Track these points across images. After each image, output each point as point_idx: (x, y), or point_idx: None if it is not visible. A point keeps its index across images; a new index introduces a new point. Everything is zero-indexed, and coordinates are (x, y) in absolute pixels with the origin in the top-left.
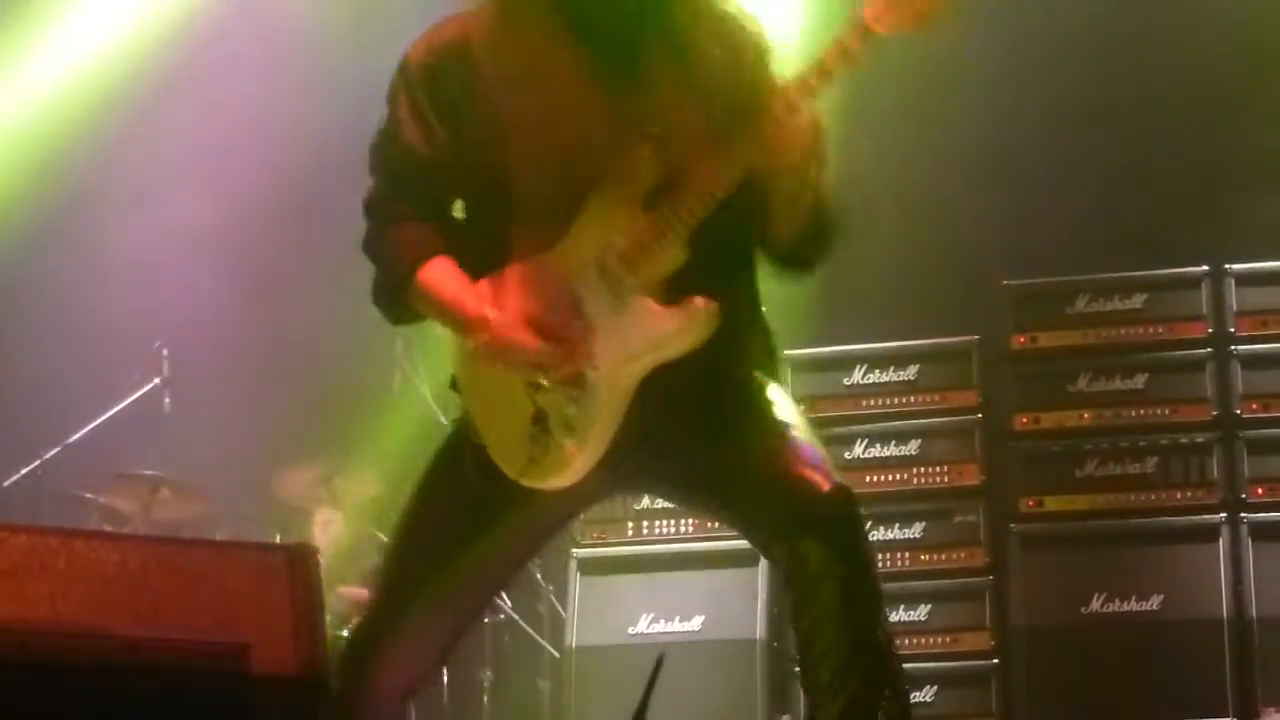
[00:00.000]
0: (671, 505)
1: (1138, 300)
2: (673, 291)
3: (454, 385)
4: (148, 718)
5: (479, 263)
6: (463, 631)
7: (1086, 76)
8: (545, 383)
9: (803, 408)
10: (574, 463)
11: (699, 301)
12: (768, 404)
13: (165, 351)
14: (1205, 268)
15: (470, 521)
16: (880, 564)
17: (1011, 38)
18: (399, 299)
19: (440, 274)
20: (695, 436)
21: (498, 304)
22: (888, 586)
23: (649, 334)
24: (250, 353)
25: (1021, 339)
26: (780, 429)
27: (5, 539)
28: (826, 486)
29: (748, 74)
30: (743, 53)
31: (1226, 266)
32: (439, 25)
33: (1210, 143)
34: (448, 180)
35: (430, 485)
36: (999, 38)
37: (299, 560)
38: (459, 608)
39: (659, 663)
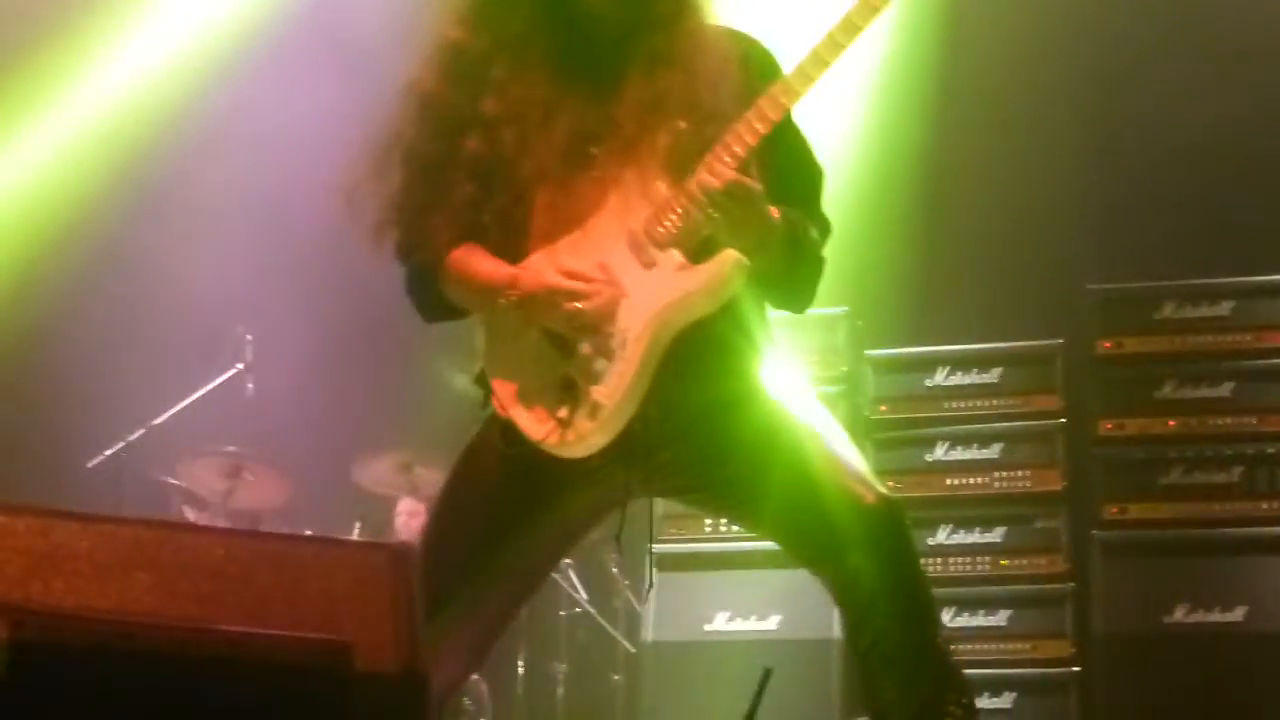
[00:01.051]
0: None
1: (1225, 307)
2: (702, 257)
3: (480, 379)
4: (249, 713)
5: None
6: (493, 635)
7: (1180, 80)
8: (576, 331)
9: (884, 408)
10: (603, 420)
11: (729, 253)
12: (804, 409)
13: (249, 336)
14: None
15: (500, 512)
16: (960, 569)
17: (1102, 40)
18: (431, 285)
19: (471, 253)
20: (729, 446)
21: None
22: (967, 591)
23: (679, 286)
24: (333, 339)
25: (1107, 344)
26: (820, 439)
27: (112, 532)
28: (871, 499)
29: (735, 82)
30: (730, 64)
31: None
32: (439, 44)
33: None
34: (455, 187)
35: (459, 480)
36: (1088, 40)
37: (400, 559)
38: (488, 608)
39: (765, 677)
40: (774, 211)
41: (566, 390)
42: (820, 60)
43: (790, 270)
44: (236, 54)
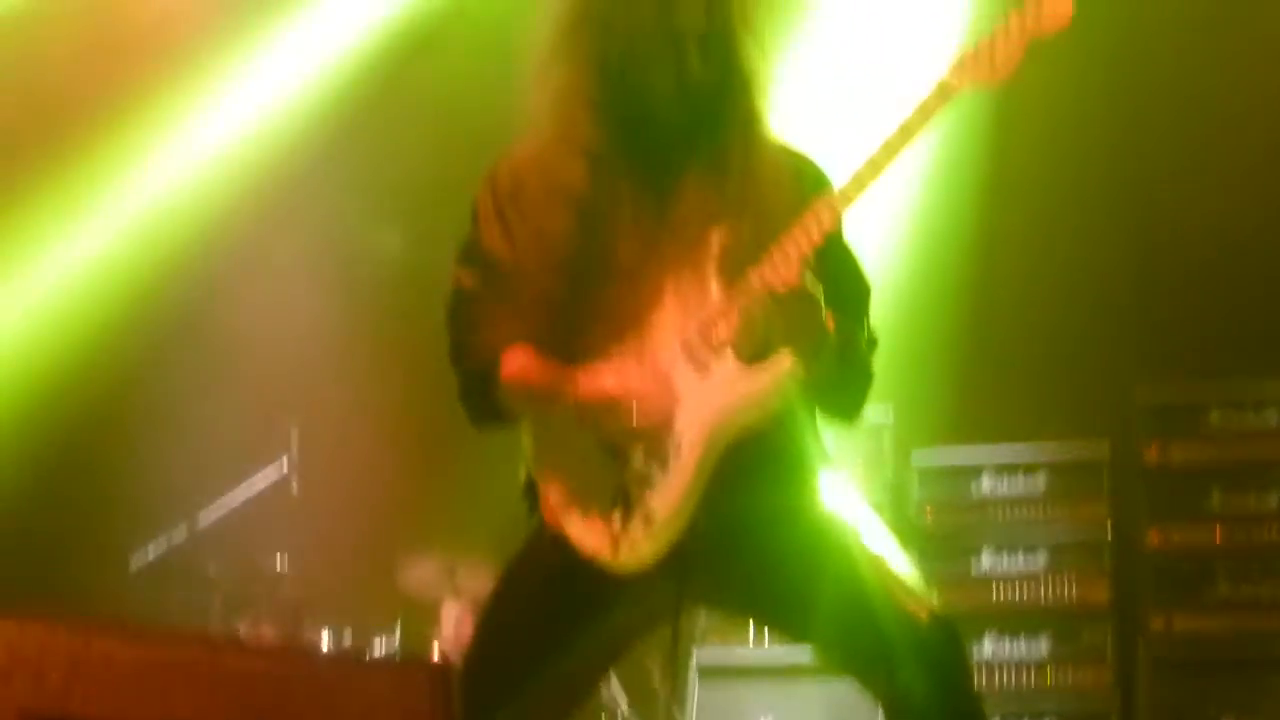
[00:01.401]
0: None
1: (1273, 415)
2: (757, 363)
3: (527, 491)
4: None
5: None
6: None
7: (1229, 183)
8: (630, 439)
9: (929, 514)
10: (656, 529)
11: (784, 359)
12: (855, 522)
13: (295, 434)
14: None
15: (549, 625)
16: (1005, 680)
17: (1148, 140)
18: (484, 389)
19: (524, 358)
20: (780, 558)
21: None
22: (1012, 703)
23: (733, 392)
24: (380, 438)
25: (1154, 451)
26: (872, 556)
27: (153, 645)
28: (925, 617)
29: (789, 192)
30: (784, 175)
31: None
32: (520, 147)
33: None
34: (524, 286)
35: (507, 592)
36: (1135, 141)
37: (440, 680)
38: None
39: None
40: (828, 319)
41: (619, 499)
42: (875, 166)
43: (842, 380)
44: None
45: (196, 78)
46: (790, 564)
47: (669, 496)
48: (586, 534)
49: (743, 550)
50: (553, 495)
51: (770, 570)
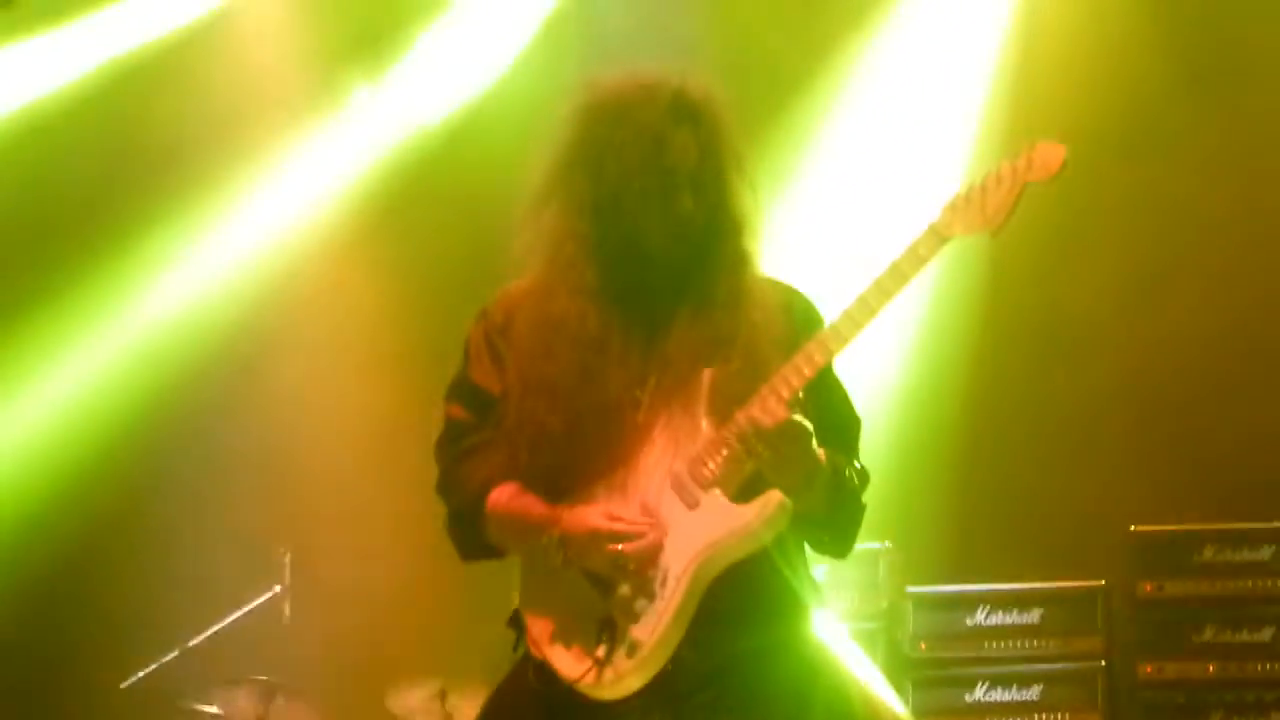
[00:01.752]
0: None
1: (1265, 552)
2: (745, 498)
3: (513, 621)
4: None
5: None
6: None
7: (1218, 325)
8: (617, 572)
9: (924, 646)
10: (641, 659)
11: (774, 494)
12: (840, 653)
13: (288, 558)
14: None
15: None
16: None
17: (1143, 275)
18: (471, 523)
19: (511, 492)
20: (766, 692)
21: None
22: None
23: (722, 526)
24: (372, 563)
25: (1148, 586)
26: (861, 686)
27: None
28: None
29: (780, 329)
30: (774, 311)
31: None
32: (514, 284)
33: None
34: (514, 421)
35: (497, 707)
36: (1129, 276)
37: None
38: None
39: None
40: (821, 455)
41: (605, 629)
42: (867, 307)
43: (833, 513)
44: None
45: (203, 197)
46: (781, 698)
47: (654, 627)
48: (569, 662)
49: (728, 683)
50: (536, 625)
51: (760, 705)
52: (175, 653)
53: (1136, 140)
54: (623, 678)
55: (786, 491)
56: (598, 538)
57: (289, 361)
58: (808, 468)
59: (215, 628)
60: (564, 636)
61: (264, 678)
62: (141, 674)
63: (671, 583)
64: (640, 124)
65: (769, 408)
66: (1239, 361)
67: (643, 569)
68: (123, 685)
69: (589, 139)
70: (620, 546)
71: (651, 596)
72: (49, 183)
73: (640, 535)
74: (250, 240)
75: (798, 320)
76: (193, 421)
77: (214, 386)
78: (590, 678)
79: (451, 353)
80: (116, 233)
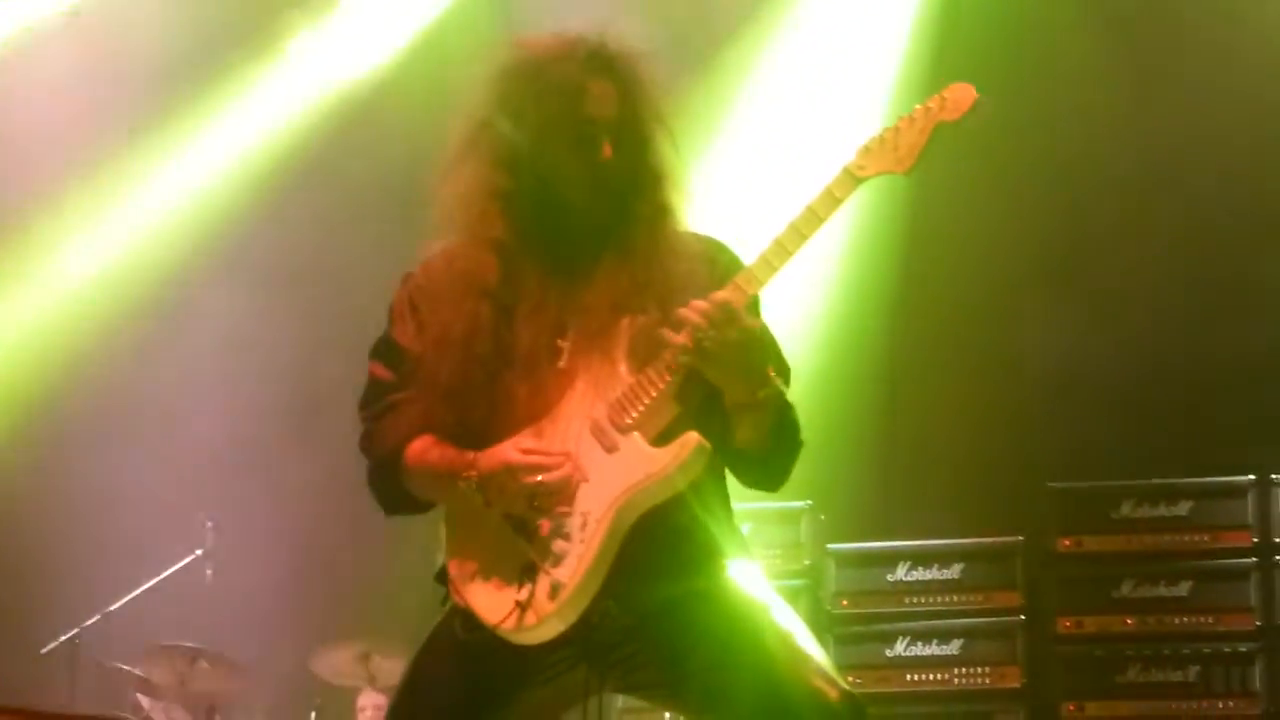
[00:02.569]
0: None
1: (1183, 507)
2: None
3: (440, 576)
4: None
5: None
6: None
7: (1138, 282)
8: (536, 514)
9: (845, 602)
10: (561, 602)
11: (692, 435)
12: (763, 604)
13: (209, 524)
14: (1251, 477)
15: (460, 709)
16: None
17: (1063, 234)
18: (392, 475)
19: (429, 442)
20: (688, 642)
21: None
22: None
23: (641, 469)
24: (295, 528)
25: (1066, 541)
26: (782, 634)
27: None
28: (835, 695)
29: (702, 278)
30: (697, 262)
31: (1273, 476)
32: (439, 246)
33: (1261, 352)
34: (432, 376)
35: (417, 676)
36: (1050, 235)
37: None
38: None
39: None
40: (773, 376)
41: (526, 573)
42: (782, 250)
43: (776, 442)
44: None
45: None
46: (702, 646)
47: (575, 569)
48: (491, 607)
49: (650, 633)
50: (460, 573)
51: (679, 653)
52: (96, 617)
53: (1057, 96)
54: (544, 621)
55: (738, 401)
56: (512, 470)
57: (208, 322)
58: (758, 370)
59: (136, 592)
60: (486, 583)
61: (186, 643)
62: (63, 638)
63: (592, 525)
64: (559, 76)
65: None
66: (1160, 320)
67: (559, 503)
68: (43, 650)
69: (508, 93)
70: (537, 478)
71: (570, 539)
72: None
73: (555, 467)
74: (167, 197)
75: (721, 272)
76: (110, 384)
77: (131, 349)
78: (511, 621)
79: (376, 312)
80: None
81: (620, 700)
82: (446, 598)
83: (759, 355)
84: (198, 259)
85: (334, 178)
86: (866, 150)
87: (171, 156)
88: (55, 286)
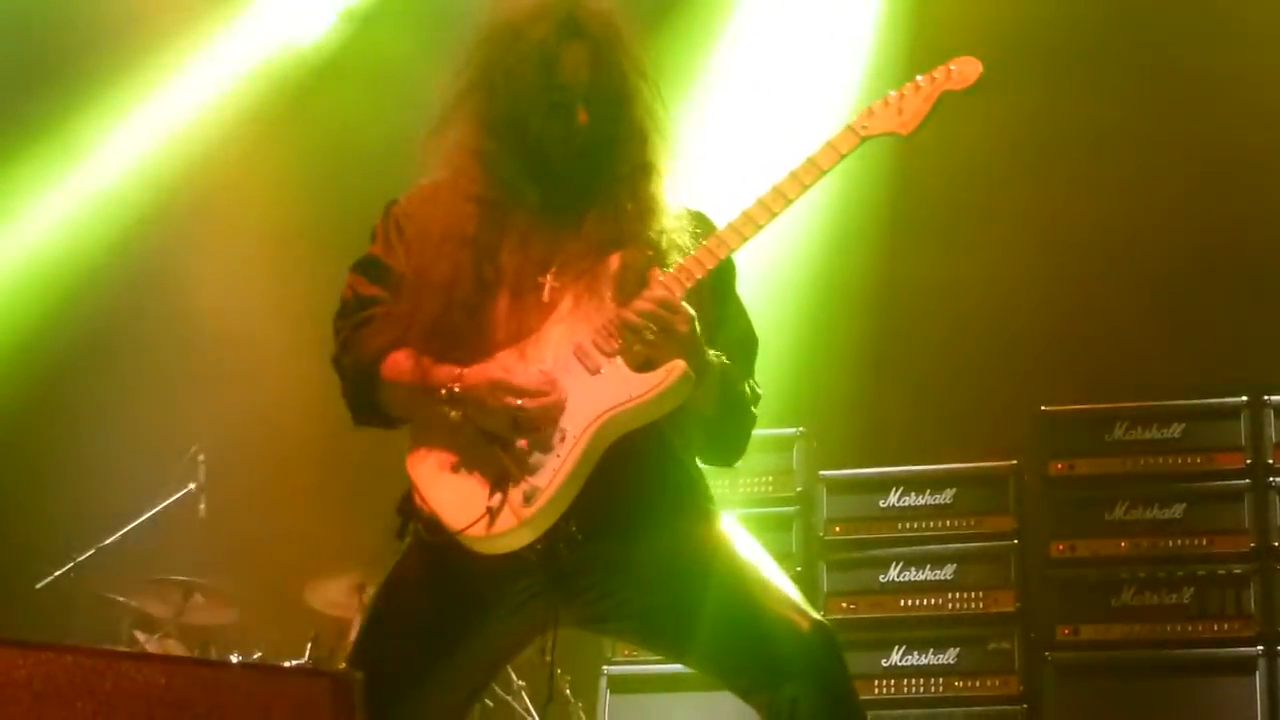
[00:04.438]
0: None
1: (1176, 429)
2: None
3: (401, 508)
4: None
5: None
6: None
7: (1128, 202)
8: (513, 428)
9: (838, 529)
10: (534, 510)
11: (678, 363)
12: (733, 540)
13: (201, 457)
14: (1244, 398)
15: (427, 635)
16: (913, 690)
17: (1054, 162)
18: (366, 385)
19: (405, 356)
20: (656, 574)
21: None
22: (920, 713)
23: (624, 391)
24: (286, 460)
25: (1059, 465)
26: (750, 567)
27: (51, 659)
28: (807, 625)
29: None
30: (682, 220)
31: (1266, 398)
32: (424, 182)
33: (1253, 273)
34: (410, 305)
35: (385, 604)
36: (1041, 163)
37: (342, 688)
38: None
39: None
40: (711, 353)
41: (499, 482)
42: (781, 196)
43: (722, 416)
44: (192, 175)
45: (104, 98)
46: (670, 579)
47: (551, 479)
48: (458, 511)
49: (619, 565)
50: (425, 481)
51: (649, 586)
52: (91, 551)
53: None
54: (514, 529)
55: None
56: (497, 388)
57: (201, 258)
58: (696, 358)
59: (130, 526)
60: (456, 490)
61: (180, 577)
62: (57, 573)
63: (570, 440)
64: (532, 42)
65: (654, 289)
66: (1149, 244)
67: (540, 425)
68: (38, 585)
69: (486, 60)
70: (520, 401)
71: (549, 452)
72: None
73: (540, 392)
74: (155, 136)
75: (700, 233)
76: (101, 320)
77: (124, 284)
78: (480, 527)
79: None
80: (13, 129)
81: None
82: (403, 529)
83: (695, 351)
84: (189, 195)
85: (329, 113)
86: (871, 111)
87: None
88: (45, 219)
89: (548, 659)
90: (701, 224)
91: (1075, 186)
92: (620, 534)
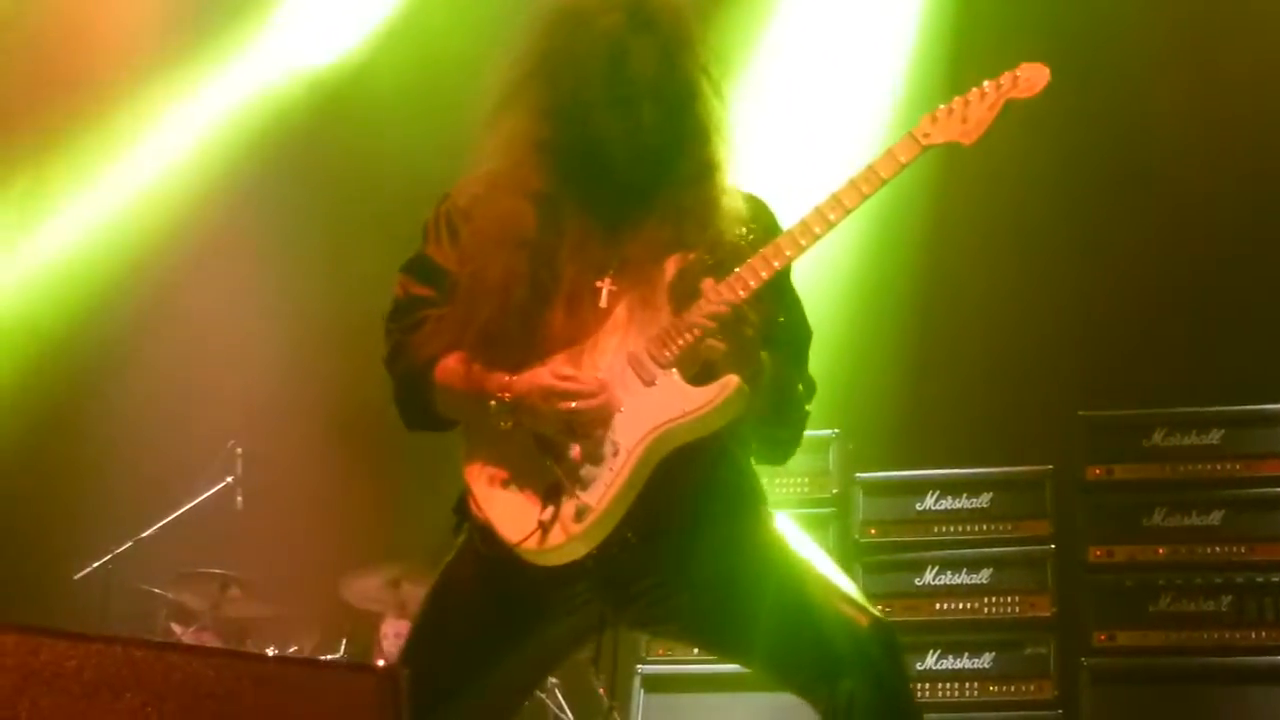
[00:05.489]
0: None
1: (1215, 435)
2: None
3: (458, 508)
4: None
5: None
6: None
7: (1168, 206)
8: (566, 437)
9: (874, 531)
10: (586, 526)
11: (732, 378)
12: (788, 537)
13: (239, 450)
14: None
15: (479, 638)
16: (949, 694)
17: (1092, 170)
18: (419, 390)
19: (460, 360)
20: (709, 576)
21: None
22: (955, 717)
23: (678, 406)
24: (323, 455)
25: (1097, 470)
26: (807, 565)
27: (101, 650)
28: (865, 622)
29: (743, 236)
30: (742, 219)
31: None
32: (477, 172)
33: None
34: (464, 308)
35: (437, 606)
36: (1079, 170)
37: (388, 683)
38: None
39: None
40: (763, 355)
41: (551, 494)
42: (840, 205)
43: (776, 417)
44: (235, 162)
45: (140, 99)
46: (726, 579)
47: (603, 495)
48: (512, 523)
49: (675, 567)
50: (481, 490)
51: (705, 586)
52: (129, 544)
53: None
54: (566, 542)
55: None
56: (549, 394)
57: (233, 258)
58: (752, 367)
59: (168, 519)
60: (509, 501)
61: (217, 570)
62: (95, 565)
63: (622, 455)
64: (599, 33)
65: (720, 296)
66: (1190, 248)
67: (591, 431)
68: (76, 576)
69: (549, 49)
70: (571, 404)
71: (599, 464)
72: None
73: (591, 395)
74: (198, 123)
75: (760, 229)
76: (143, 315)
77: (163, 278)
78: (533, 541)
79: (397, 247)
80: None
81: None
82: (459, 528)
83: (752, 357)
84: (226, 185)
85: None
86: (933, 118)
87: (211, 76)
88: (83, 216)
89: (596, 663)
90: (760, 215)
91: (1115, 190)
92: (676, 536)
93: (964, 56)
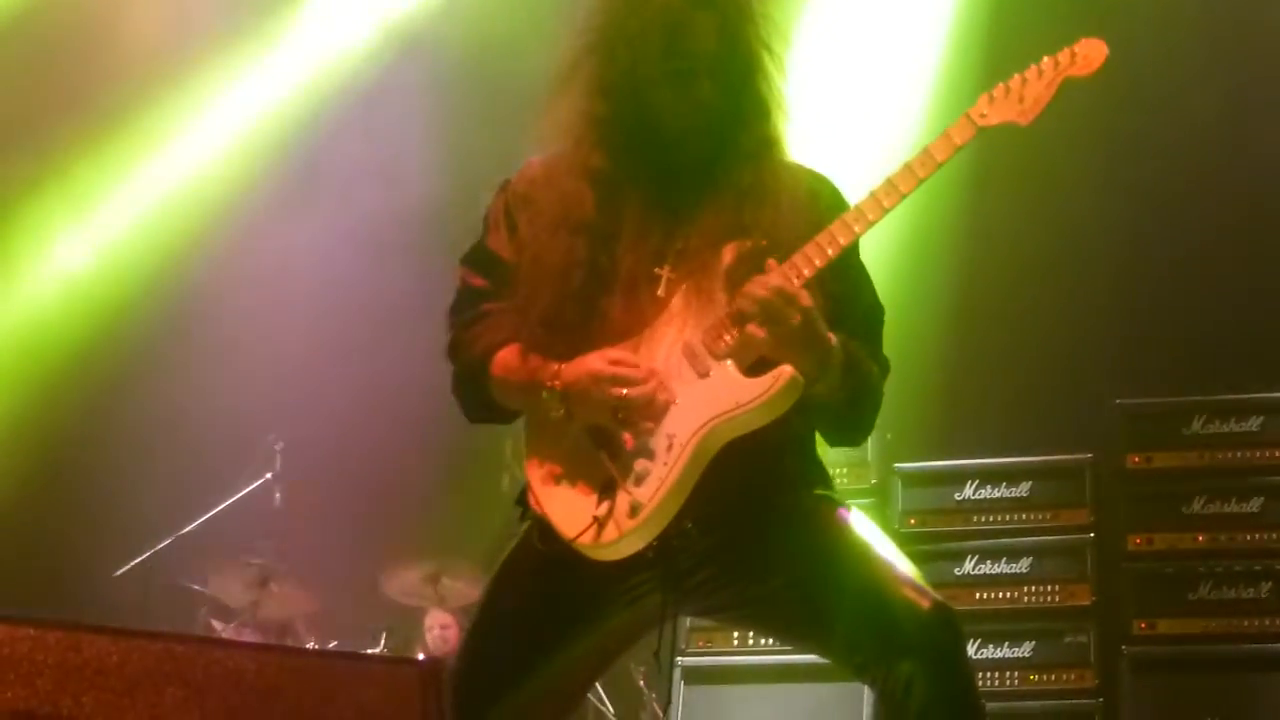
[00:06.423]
0: None
1: (1254, 423)
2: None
3: (521, 499)
4: None
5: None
6: None
7: (1207, 198)
8: (620, 428)
9: (913, 521)
10: (641, 520)
11: (785, 368)
12: (851, 522)
13: (279, 446)
14: None
15: (539, 632)
16: (989, 683)
17: (1128, 160)
18: (477, 382)
19: (515, 352)
20: (771, 562)
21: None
22: (996, 706)
23: (732, 398)
24: (361, 450)
25: (1136, 458)
26: (869, 546)
27: (143, 646)
28: (927, 604)
29: (804, 213)
30: (801, 196)
31: None
32: (538, 157)
33: None
34: (524, 295)
35: (497, 598)
36: (1116, 160)
37: (431, 676)
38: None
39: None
40: (831, 338)
41: (606, 489)
42: (894, 190)
43: (852, 400)
44: (267, 169)
45: (172, 103)
46: (788, 564)
47: (657, 490)
48: (569, 521)
49: (735, 555)
50: (539, 484)
51: (766, 572)
52: (169, 540)
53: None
54: (621, 538)
55: (802, 375)
56: (598, 380)
57: (272, 254)
58: (818, 348)
59: (207, 515)
60: (566, 496)
61: (257, 563)
62: (135, 561)
63: (676, 449)
64: (657, 7)
65: (772, 283)
66: (1227, 234)
67: (644, 418)
68: (116, 573)
69: (607, 23)
70: (622, 390)
71: (654, 458)
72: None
73: (641, 381)
74: (236, 120)
75: (823, 205)
76: (185, 309)
77: (204, 274)
78: (589, 536)
79: (442, 228)
80: (91, 132)
81: (688, 622)
82: (524, 516)
83: (818, 331)
84: (266, 181)
85: (393, 95)
86: (990, 98)
87: (245, 73)
88: (126, 212)
89: (658, 655)
90: (822, 192)
91: (1153, 179)
92: (736, 524)
93: (998, 46)
